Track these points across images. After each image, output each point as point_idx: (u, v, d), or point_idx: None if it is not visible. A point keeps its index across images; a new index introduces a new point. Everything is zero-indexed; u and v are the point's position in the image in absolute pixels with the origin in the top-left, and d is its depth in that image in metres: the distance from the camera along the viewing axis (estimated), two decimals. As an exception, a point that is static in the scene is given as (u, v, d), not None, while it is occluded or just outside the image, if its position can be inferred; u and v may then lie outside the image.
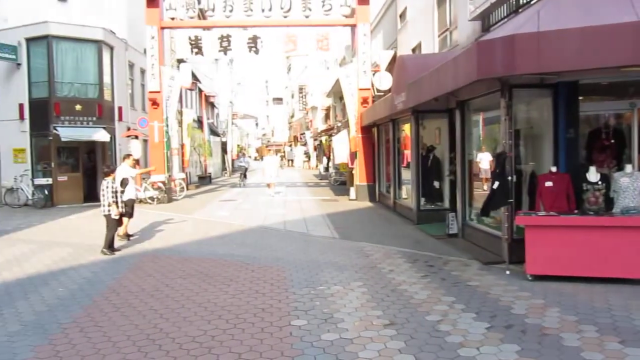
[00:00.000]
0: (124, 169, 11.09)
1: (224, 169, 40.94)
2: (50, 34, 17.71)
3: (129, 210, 10.69)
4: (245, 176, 27.80)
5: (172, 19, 18.81)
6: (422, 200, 12.67)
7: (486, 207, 7.68)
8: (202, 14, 23.49)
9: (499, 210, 7.97)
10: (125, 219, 10.62)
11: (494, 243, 8.52)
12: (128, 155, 11.72)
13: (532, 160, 8.82)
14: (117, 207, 9.55)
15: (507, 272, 7.32)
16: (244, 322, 5.55)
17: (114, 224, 9.66)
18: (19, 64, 18.02)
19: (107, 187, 9.48)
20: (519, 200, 8.19)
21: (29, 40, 18.04)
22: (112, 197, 9.48)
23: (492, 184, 7.46)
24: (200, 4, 20.17)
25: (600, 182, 7.41)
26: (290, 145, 68.47)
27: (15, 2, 20.26)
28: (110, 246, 9.53)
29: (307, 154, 54.28)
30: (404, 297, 6.33)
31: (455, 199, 10.61)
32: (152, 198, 17.86)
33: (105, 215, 9.57)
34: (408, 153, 13.37)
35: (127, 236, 10.90)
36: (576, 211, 7.25)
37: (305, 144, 53.34)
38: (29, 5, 20.13)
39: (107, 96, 19.09)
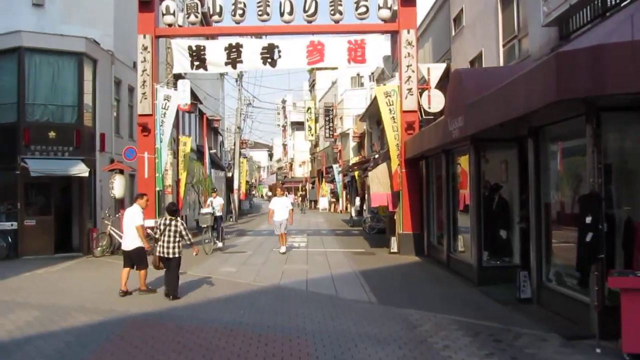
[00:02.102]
0: (134, 213, 11.71)
1: (229, 211, 41.25)
2: (22, 45, 18.38)
3: (142, 261, 11.65)
4: (218, 233, 20.30)
5: (169, 25, 19.33)
6: (485, 254, 12.54)
7: (582, 268, 7.57)
8: (205, 20, 24.19)
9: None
10: (141, 272, 11.64)
11: (579, 311, 8.36)
12: (142, 196, 12.37)
13: (628, 204, 8.70)
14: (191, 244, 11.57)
15: (598, 350, 7.16)
16: (257, 410, 5.52)
17: (178, 265, 11.25)
18: (-18, 83, 18.69)
19: (176, 228, 11.13)
20: (611, 255, 8.05)
21: (-3, 54, 18.75)
22: (187, 236, 11.27)
23: (581, 236, 7.35)
24: (204, 6, 20.75)
25: None
26: (313, 183, 68.93)
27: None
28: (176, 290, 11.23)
29: (334, 194, 54.48)
30: (464, 381, 6.23)
31: (528, 253, 10.48)
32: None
33: (169, 259, 11.08)
34: (466, 193, 13.31)
35: (149, 290, 11.76)
36: (688, 271, 7.11)
37: (332, 181, 53.58)
38: (1, 11, 20.96)
39: (87, 121, 19.60)
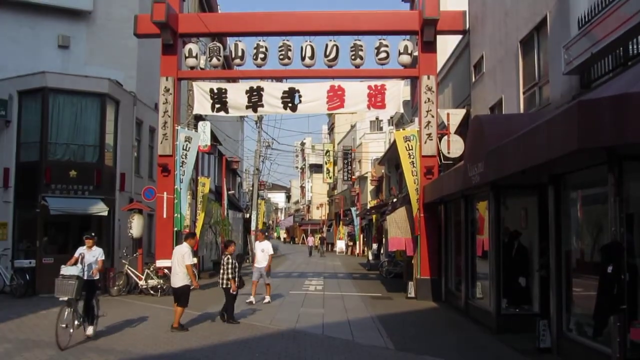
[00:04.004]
0: (184, 252, 12.25)
1: (246, 253, 41.22)
2: (47, 86, 18.82)
3: (184, 299, 12.19)
4: (88, 310, 11.21)
5: (192, 68, 19.68)
6: (504, 301, 12.42)
7: (599, 322, 7.46)
8: (227, 63, 24.63)
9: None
10: (179, 309, 12.13)
11: (602, 363, 8.21)
12: (193, 236, 13.27)
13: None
14: (235, 282, 13.01)
15: (622, 405, 7.01)
16: None
17: (232, 297, 13.04)
18: (8, 121, 19.07)
19: (227, 262, 13.04)
20: (633, 306, 7.94)
21: (22, 94, 19.21)
22: (232, 273, 13.01)
23: (601, 285, 7.27)
24: (226, 50, 21.15)
25: None
26: (330, 225, 68.78)
27: (12, 48, 21.60)
28: (232, 316, 13.02)
29: (351, 237, 54.30)
30: None
31: (548, 301, 10.37)
32: (155, 288, 18.02)
33: (224, 289, 12.99)
34: (485, 239, 13.25)
35: (182, 328, 12.07)
36: None
37: (350, 224, 53.48)
38: (27, 52, 21.51)
39: (108, 160, 19.89)
